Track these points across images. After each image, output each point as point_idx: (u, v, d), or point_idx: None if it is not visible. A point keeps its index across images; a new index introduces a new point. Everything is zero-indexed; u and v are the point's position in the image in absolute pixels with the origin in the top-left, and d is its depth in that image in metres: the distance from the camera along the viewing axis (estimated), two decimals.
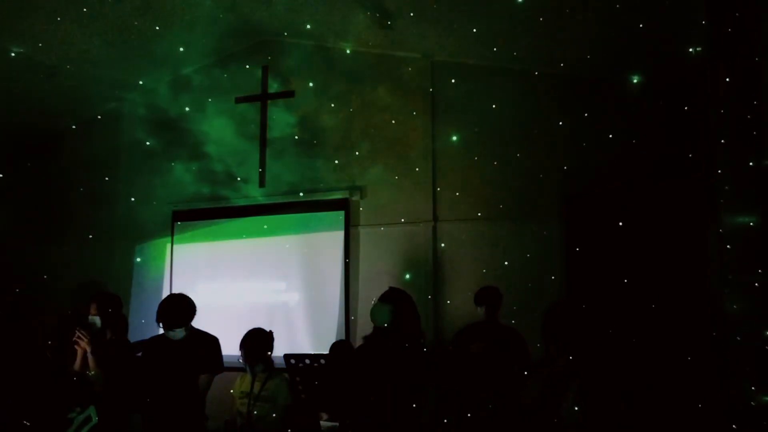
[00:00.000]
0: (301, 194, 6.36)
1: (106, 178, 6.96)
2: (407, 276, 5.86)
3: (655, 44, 4.63)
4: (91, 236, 6.89)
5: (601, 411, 3.99)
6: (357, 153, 6.22)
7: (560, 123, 5.49)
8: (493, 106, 5.80)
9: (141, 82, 6.93)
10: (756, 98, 3.47)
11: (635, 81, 5.17)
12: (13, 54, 5.79)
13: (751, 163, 3.51)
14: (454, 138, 5.95)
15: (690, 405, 4.25)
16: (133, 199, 6.88)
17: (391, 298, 3.57)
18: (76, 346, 3.92)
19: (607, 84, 5.37)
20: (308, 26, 6.12)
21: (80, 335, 3.88)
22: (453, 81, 6.01)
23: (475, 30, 5.40)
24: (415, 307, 3.61)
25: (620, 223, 4.87)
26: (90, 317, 4.01)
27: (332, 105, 6.35)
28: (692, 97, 4.73)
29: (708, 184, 4.10)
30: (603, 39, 4.90)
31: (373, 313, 3.60)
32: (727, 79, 3.60)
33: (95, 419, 3.59)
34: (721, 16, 3.62)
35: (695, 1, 3.90)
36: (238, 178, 6.61)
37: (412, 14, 5.47)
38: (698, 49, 4.01)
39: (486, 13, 5.13)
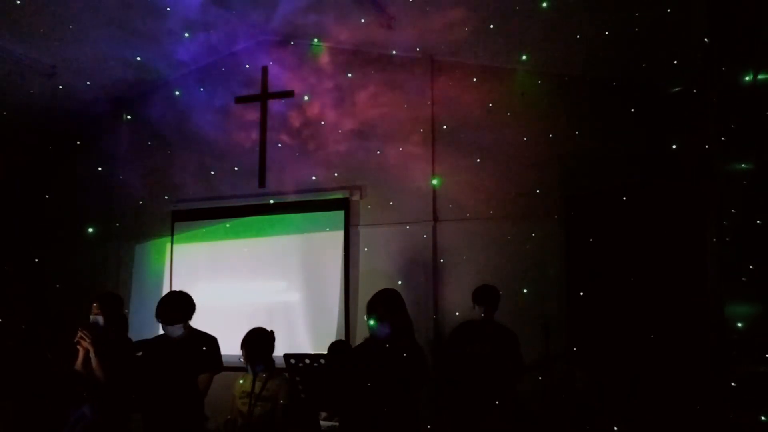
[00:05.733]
0: (301, 194, 6.37)
1: (106, 178, 6.97)
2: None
3: (655, 44, 4.64)
4: (91, 236, 6.89)
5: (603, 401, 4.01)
6: (357, 153, 6.23)
7: (561, 123, 5.50)
8: (494, 105, 5.81)
9: (140, 82, 6.94)
10: (755, 99, 3.47)
11: (636, 81, 5.18)
12: (12, 53, 5.79)
13: (750, 164, 3.51)
14: (454, 138, 5.95)
15: (688, 403, 4.26)
16: (132, 198, 6.88)
17: (384, 311, 3.52)
18: (78, 346, 3.92)
19: (609, 84, 5.37)
20: (309, 26, 6.14)
21: (83, 335, 3.88)
22: (453, 80, 6.02)
23: (475, 29, 5.41)
24: (402, 300, 3.60)
25: (620, 223, 4.87)
26: (92, 317, 4.01)
27: (332, 104, 6.36)
28: (693, 97, 4.74)
29: (708, 185, 4.10)
30: (604, 40, 4.90)
31: (372, 331, 3.56)
32: (727, 80, 3.61)
33: (90, 416, 3.60)
34: (722, 18, 3.62)
35: (696, 3, 3.91)
36: (238, 179, 6.61)
37: (412, 13, 5.48)
38: (699, 47, 4.01)
39: (486, 12, 5.14)
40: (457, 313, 5.58)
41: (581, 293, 5.05)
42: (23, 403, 4.24)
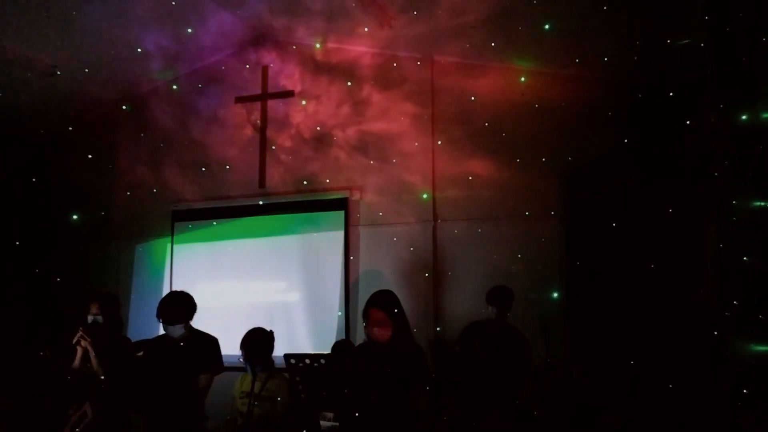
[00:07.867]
0: (301, 194, 6.36)
1: (106, 178, 6.96)
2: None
3: (655, 45, 4.64)
4: (90, 236, 6.88)
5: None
6: (357, 153, 6.23)
7: (561, 123, 5.50)
8: (494, 105, 5.81)
9: (141, 82, 6.94)
10: (756, 99, 3.48)
11: (636, 81, 5.18)
12: (11, 53, 5.79)
13: (750, 164, 3.52)
14: (454, 138, 5.95)
15: (688, 403, 4.26)
16: (132, 198, 6.88)
17: (384, 313, 3.51)
18: (78, 346, 3.93)
19: (609, 83, 5.37)
20: (309, 26, 6.13)
21: (83, 335, 3.89)
22: (453, 81, 6.02)
23: (476, 30, 5.41)
24: (398, 300, 3.61)
25: (619, 224, 4.87)
26: (90, 317, 4.02)
27: (332, 104, 6.36)
28: (693, 98, 4.73)
29: (708, 185, 4.10)
30: (604, 41, 4.90)
31: (370, 333, 3.56)
32: (728, 80, 3.61)
33: (91, 415, 3.60)
34: (722, 16, 3.63)
35: (696, 2, 3.91)
36: (238, 179, 6.61)
37: (412, 13, 5.48)
38: (699, 47, 4.01)
39: (486, 12, 5.14)
40: (438, 329, 5.60)
41: (581, 293, 5.06)
42: (23, 403, 4.24)
